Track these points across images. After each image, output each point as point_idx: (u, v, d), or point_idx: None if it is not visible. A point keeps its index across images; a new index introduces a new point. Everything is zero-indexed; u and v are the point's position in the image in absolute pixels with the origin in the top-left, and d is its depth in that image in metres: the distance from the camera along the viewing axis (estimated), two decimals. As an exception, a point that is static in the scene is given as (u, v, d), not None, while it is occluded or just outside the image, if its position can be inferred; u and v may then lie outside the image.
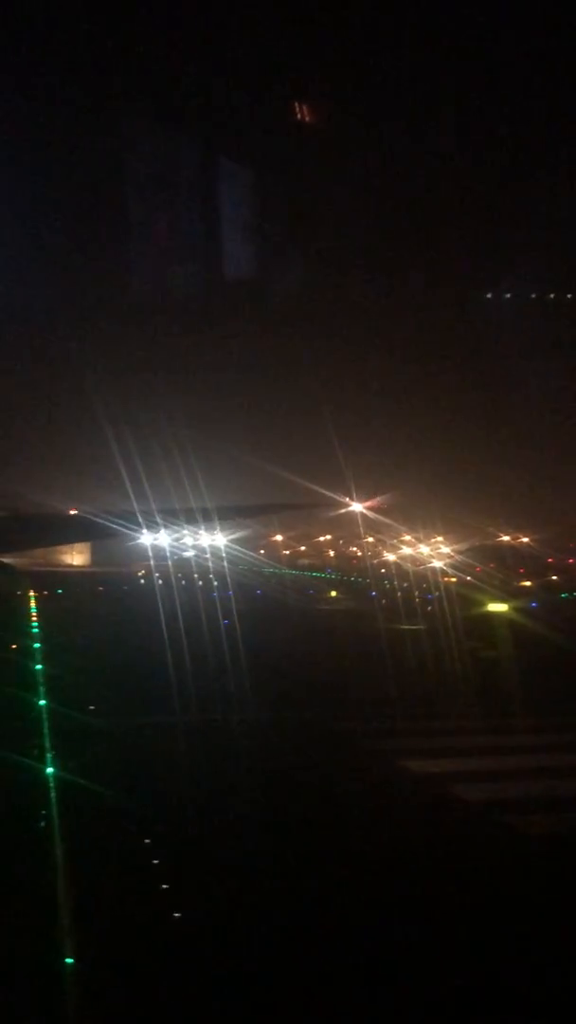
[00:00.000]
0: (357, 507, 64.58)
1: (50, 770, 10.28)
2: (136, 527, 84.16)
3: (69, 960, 5.86)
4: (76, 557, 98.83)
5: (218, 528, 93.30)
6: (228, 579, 53.37)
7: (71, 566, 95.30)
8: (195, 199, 35.33)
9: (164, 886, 7.61)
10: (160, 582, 49.41)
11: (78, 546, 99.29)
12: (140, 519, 79.52)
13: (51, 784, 9.92)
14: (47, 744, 12.39)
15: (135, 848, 8.58)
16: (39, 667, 17.40)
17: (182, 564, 73.11)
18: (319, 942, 6.40)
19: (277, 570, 78.01)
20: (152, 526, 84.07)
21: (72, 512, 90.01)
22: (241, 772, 12.29)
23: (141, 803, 10.13)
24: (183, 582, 49.81)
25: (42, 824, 8.81)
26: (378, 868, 8.13)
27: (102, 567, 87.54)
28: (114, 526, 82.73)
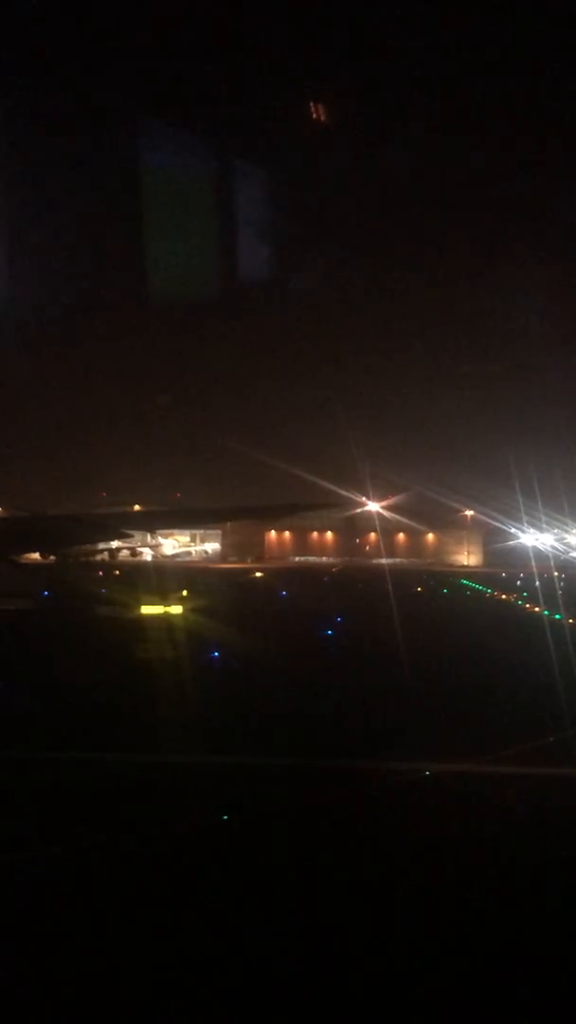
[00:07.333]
0: None
1: None
2: (523, 528, 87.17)
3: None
4: (470, 558, 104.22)
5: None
6: None
7: (464, 566, 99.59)
8: (214, 200, 36.22)
9: None
10: None
11: (472, 547, 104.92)
12: (527, 520, 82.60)
13: None
14: None
15: None
16: None
17: (568, 566, 72.35)
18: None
19: None
20: (536, 527, 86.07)
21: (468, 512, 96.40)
22: None
23: None
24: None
25: None
26: None
27: (492, 568, 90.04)
28: (508, 528, 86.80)
